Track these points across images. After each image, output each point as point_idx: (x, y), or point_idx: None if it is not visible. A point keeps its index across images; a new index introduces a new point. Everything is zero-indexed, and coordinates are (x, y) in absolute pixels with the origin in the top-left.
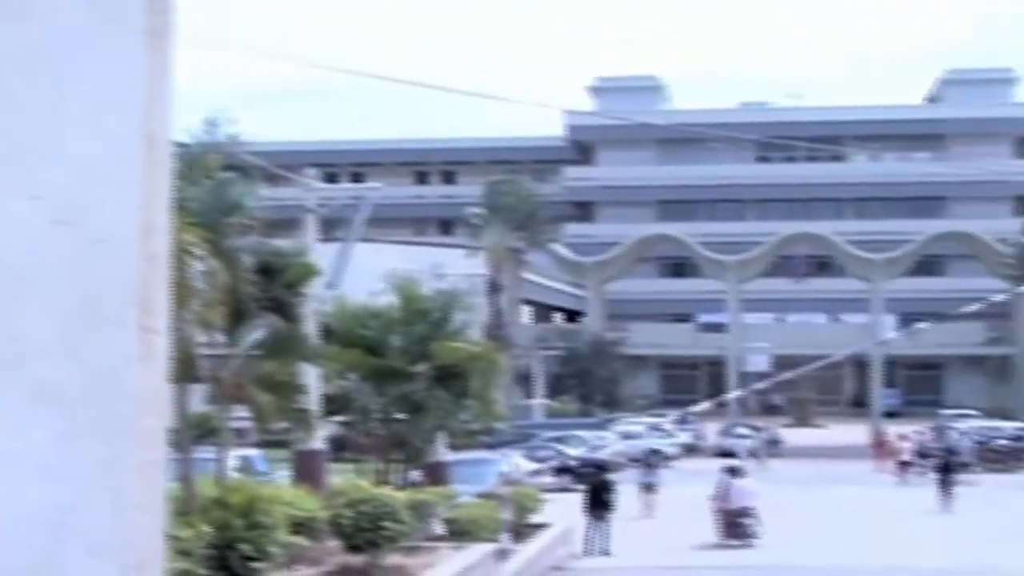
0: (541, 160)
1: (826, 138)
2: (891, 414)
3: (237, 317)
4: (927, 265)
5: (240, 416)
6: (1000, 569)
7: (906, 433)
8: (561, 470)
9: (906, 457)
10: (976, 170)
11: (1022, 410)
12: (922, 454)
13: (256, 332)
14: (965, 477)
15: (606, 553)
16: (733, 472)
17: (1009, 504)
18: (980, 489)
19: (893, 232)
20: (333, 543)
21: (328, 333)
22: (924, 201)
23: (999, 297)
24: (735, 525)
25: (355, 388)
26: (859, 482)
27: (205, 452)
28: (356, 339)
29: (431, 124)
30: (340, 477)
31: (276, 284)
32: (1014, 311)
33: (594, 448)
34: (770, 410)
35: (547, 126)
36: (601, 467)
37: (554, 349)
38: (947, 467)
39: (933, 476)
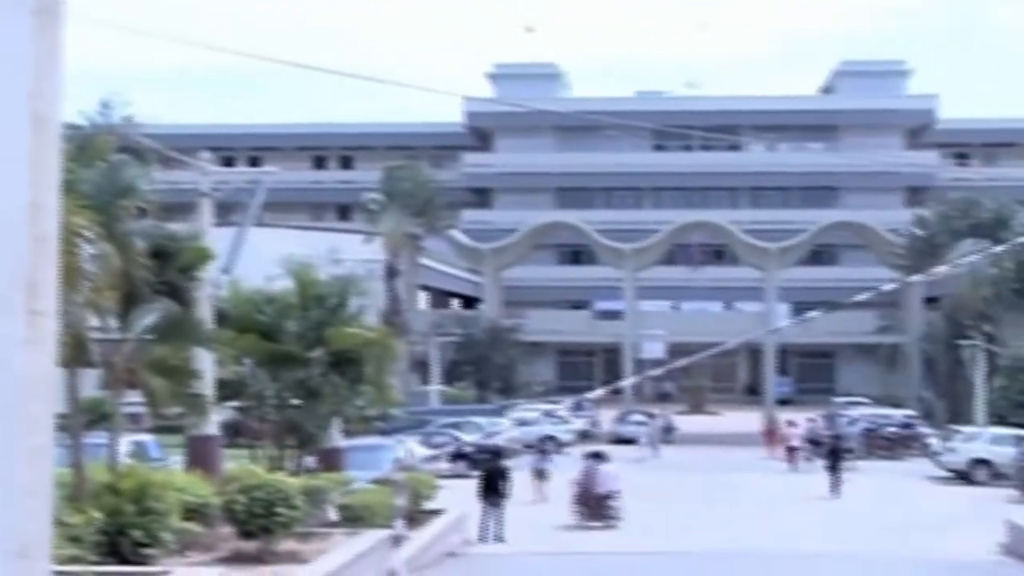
0: (439, 146)
1: (722, 127)
2: (784, 401)
3: (130, 301)
4: (820, 254)
5: (133, 401)
6: (881, 554)
7: (795, 420)
8: (456, 456)
9: (794, 443)
10: (868, 161)
11: (911, 398)
12: (813, 441)
13: (149, 316)
14: (852, 463)
15: (500, 539)
16: (597, 457)
17: (895, 490)
18: (868, 475)
19: (787, 221)
20: (226, 529)
21: (223, 318)
22: (818, 191)
23: (890, 286)
24: (600, 508)
25: (250, 373)
26: (749, 468)
27: (97, 437)
28: (251, 324)
29: (329, 109)
30: (234, 463)
31: (170, 268)
32: (904, 300)
33: (489, 434)
34: (662, 397)
35: (446, 112)
36: (496, 453)
37: (451, 335)
38: (836, 453)
39: (821, 462)
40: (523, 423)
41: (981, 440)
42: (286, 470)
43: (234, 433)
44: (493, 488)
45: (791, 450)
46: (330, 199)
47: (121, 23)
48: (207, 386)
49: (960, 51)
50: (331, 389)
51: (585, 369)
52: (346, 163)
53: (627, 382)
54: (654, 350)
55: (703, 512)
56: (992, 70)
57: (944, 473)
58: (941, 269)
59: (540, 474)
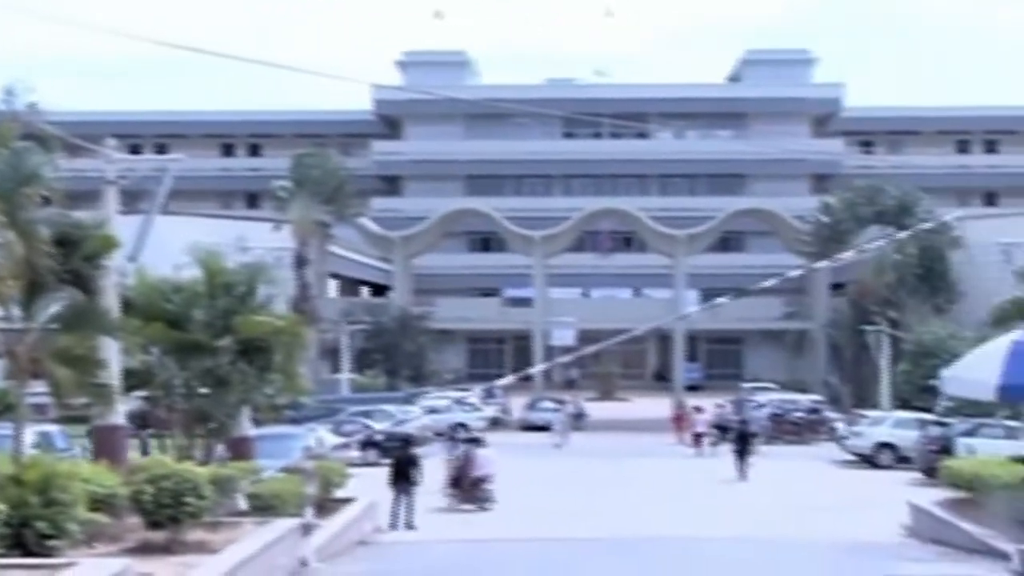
0: (348, 134)
1: (631, 115)
2: (693, 387)
3: (33, 290)
4: (728, 241)
5: (38, 391)
6: (787, 537)
7: (701, 406)
8: (367, 444)
9: (700, 429)
10: (775, 148)
11: (818, 383)
12: (721, 426)
13: (54, 305)
14: (757, 448)
15: (411, 527)
16: (475, 443)
17: (802, 474)
18: (775, 460)
19: (695, 208)
20: (134, 519)
21: (129, 307)
22: (725, 178)
23: (795, 273)
24: (473, 491)
25: (157, 362)
26: (657, 454)
27: (1, 428)
28: (158, 312)
29: (237, 96)
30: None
31: (75, 256)
32: (810, 287)
33: (400, 422)
34: (568, 384)
35: (356, 99)
36: (407, 441)
37: (361, 323)
38: (743, 438)
39: (729, 447)
40: (433, 411)
41: (886, 424)
42: (195, 459)
43: (142, 423)
44: (403, 476)
45: (697, 436)
46: (239, 187)
47: (24, 8)
48: (113, 375)
49: (864, 39)
50: (240, 378)
51: (495, 356)
52: (254, 151)
53: (537, 369)
54: (564, 337)
55: (611, 497)
56: (896, 58)
57: (850, 457)
58: (846, 255)
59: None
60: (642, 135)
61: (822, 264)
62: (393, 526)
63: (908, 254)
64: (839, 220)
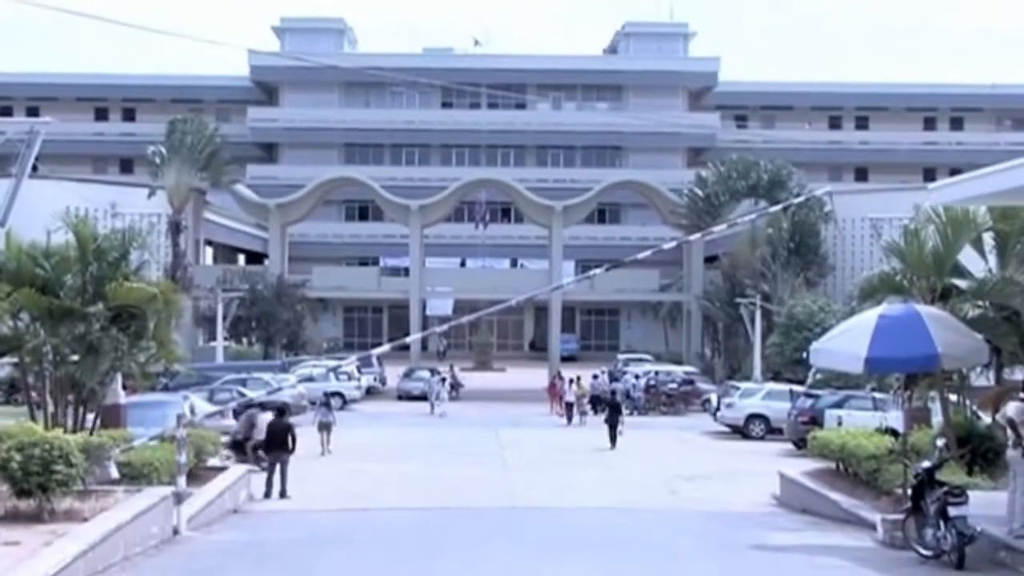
0: (225, 100)
1: (509, 85)
2: (569, 358)
3: None
4: (604, 213)
5: None
6: (658, 507)
7: (572, 376)
8: (240, 412)
9: (570, 399)
10: (652, 121)
11: (692, 355)
12: (595, 397)
13: None
14: (623, 418)
15: (285, 495)
16: (260, 408)
17: (674, 445)
18: (648, 430)
19: (572, 180)
20: (1, 488)
21: None
22: (602, 150)
23: (670, 245)
24: (256, 453)
25: (27, 328)
26: (530, 424)
27: None
28: (28, 278)
29: (113, 60)
30: (12, 420)
31: None
32: (685, 259)
33: (275, 391)
34: (441, 355)
35: (232, 65)
36: (281, 410)
37: (237, 291)
38: (614, 408)
39: (601, 418)
40: (309, 379)
41: (757, 396)
42: (65, 427)
43: (12, 390)
44: (278, 444)
45: (568, 406)
46: (112, 152)
47: None
48: None
49: (740, 15)
50: (112, 344)
51: (372, 325)
52: (129, 115)
53: (413, 338)
54: (441, 307)
55: (484, 467)
56: (771, 34)
57: (722, 428)
58: (720, 228)
59: (323, 427)
60: (520, 106)
61: (696, 236)
62: (267, 495)
63: (780, 228)
64: (713, 193)
